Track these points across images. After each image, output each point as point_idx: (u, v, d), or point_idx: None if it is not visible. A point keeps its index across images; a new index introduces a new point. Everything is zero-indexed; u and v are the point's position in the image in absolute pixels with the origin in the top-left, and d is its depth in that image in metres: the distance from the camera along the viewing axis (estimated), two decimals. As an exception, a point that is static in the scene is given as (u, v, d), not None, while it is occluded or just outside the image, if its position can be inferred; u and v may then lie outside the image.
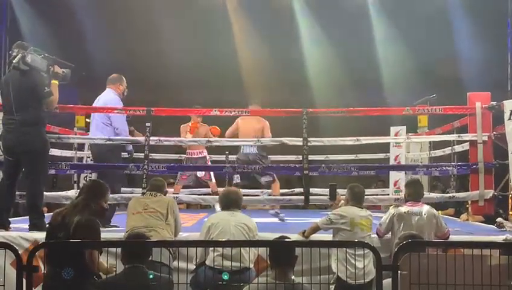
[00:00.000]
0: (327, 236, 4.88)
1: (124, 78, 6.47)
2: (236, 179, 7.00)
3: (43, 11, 9.95)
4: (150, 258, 3.80)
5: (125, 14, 9.90)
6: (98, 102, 6.38)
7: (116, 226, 5.81)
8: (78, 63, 5.92)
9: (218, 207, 7.22)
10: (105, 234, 5.15)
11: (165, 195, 5.07)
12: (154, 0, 9.74)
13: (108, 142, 6.34)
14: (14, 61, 5.26)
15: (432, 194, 7.13)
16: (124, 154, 6.42)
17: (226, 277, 4.11)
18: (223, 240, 4.36)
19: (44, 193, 5.50)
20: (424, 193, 7.12)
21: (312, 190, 6.53)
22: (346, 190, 5.04)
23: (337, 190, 5.41)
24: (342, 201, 5.11)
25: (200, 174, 7.60)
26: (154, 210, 4.73)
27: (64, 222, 3.93)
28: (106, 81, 6.43)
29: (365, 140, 6.43)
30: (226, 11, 10.19)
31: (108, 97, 6.31)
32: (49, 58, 5.50)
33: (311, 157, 6.40)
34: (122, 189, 8.02)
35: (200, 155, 7.62)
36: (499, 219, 5.92)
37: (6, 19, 9.74)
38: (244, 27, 10.44)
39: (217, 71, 10.79)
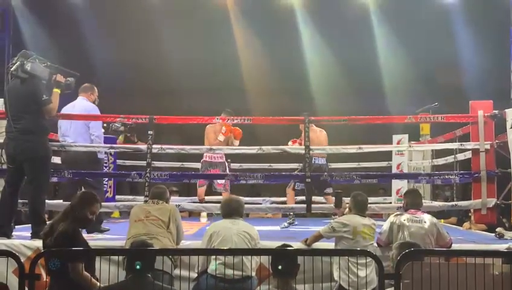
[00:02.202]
0: (329, 244, 4.87)
1: (95, 88, 6.54)
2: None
3: (46, 19, 9.99)
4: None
5: (128, 22, 9.94)
6: (74, 109, 6.34)
7: (107, 229, 5.97)
8: (81, 71, 5.93)
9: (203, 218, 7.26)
10: (104, 242, 5.16)
11: (167, 202, 5.06)
12: (156, 8, 9.77)
13: (111, 149, 6.44)
14: (12, 69, 5.30)
15: (435, 203, 7.12)
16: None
17: (214, 267, 4.12)
18: (225, 248, 4.35)
19: (46, 201, 5.50)
20: (427, 201, 7.17)
21: (314, 198, 6.52)
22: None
23: (343, 198, 5.39)
24: (347, 209, 5.10)
25: (220, 181, 7.40)
26: (156, 218, 4.71)
27: (52, 230, 3.93)
28: (79, 89, 6.45)
29: (367, 148, 6.43)
30: (228, 20, 10.21)
31: (87, 104, 6.35)
32: (52, 67, 5.53)
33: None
34: (125, 197, 8.07)
35: (221, 160, 7.48)
36: (499, 229, 5.89)
37: (10, 27, 9.77)
38: (246, 35, 10.47)
39: (219, 79, 10.82)
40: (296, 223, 7.07)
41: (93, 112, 6.33)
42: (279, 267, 3.59)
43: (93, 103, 6.46)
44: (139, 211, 4.84)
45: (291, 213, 6.99)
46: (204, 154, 7.44)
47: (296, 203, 7.22)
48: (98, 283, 3.78)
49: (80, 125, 6.25)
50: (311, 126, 6.93)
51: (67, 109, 6.32)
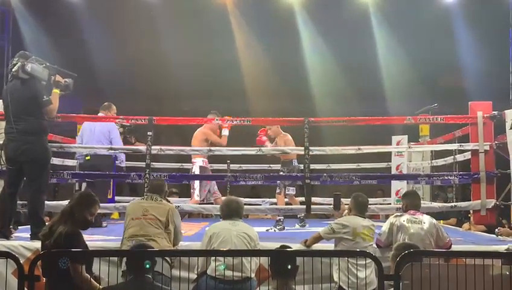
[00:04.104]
0: (329, 245, 4.87)
1: (113, 106, 7.30)
2: (292, 191, 7.15)
3: (45, 21, 10.00)
4: None
5: (129, 24, 9.95)
6: (96, 125, 7.06)
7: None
8: (81, 73, 5.93)
9: None
10: (103, 243, 5.14)
11: (165, 197, 5.00)
12: (157, 11, 9.78)
13: (110, 151, 6.50)
14: (13, 70, 5.29)
15: (434, 204, 7.12)
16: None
17: (222, 267, 4.11)
18: (225, 249, 4.35)
19: (46, 202, 5.49)
20: (426, 202, 7.17)
21: (313, 199, 6.52)
22: (350, 200, 5.03)
23: (341, 200, 5.38)
24: (346, 211, 5.10)
25: (216, 188, 7.35)
26: (153, 217, 4.66)
27: (51, 231, 3.90)
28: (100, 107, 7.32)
29: (367, 149, 6.43)
30: (227, 22, 10.22)
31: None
32: (50, 68, 5.53)
33: (312, 166, 6.40)
34: (124, 198, 8.07)
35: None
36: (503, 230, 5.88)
37: (9, 28, 9.78)
38: (247, 37, 10.47)
39: (219, 81, 10.83)
40: (285, 229, 7.04)
41: (112, 128, 7.05)
42: (289, 266, 3.57)
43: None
44: (137, 208, 4.78)
45: (281, 219, 6.97)
46: (202, 160, 7.21)
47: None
48: (99, 285, 3.77)
49: (102, 140, 6.91)
50: (279, 129, 7.05)
51: (88, 123, 7.12)
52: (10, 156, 5.30)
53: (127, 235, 4.65)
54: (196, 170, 7.15)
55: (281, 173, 7.23)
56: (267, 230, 6.79)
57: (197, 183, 7.09)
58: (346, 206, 5.13)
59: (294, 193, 7.20)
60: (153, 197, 4.88)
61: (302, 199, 6.77)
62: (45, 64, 5.50)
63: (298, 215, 7.24)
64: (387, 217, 6.99)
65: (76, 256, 3.72)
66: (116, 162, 7.25)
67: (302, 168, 6.22)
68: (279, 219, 6.96)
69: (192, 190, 7.17)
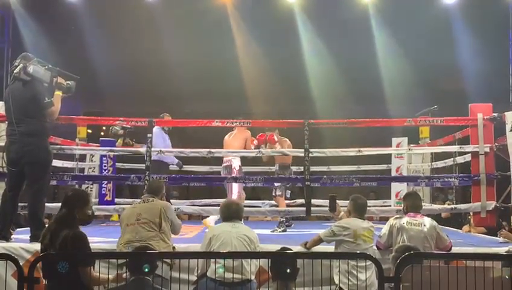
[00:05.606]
0: (329, 247, 4.86)
1: (165, 115, 7.59)
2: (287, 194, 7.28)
3: (46, 23, 9.99)
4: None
5: (128, 26, 9.95)
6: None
7: None
8: (81, 75, 5.93)
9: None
10: (103, 245, 5.14)
11: (161, 198, 4.97)
12: (158, 13, 9.78)
13: (110, 152, 6.51)
14: (15, 71, 5.29)
15: (434, 206, 7.12)
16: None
17: (221, 270, 4.10)
18: (225, 251, 4.34)
19: (46, 204, 5.48)
20: (426, 204, 7.17)
21: (313, 201, 6.52)
22: (347, 202, 5.02)
23: (337, 201, 5.37)
24: (342, 213, 5.09)
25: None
26: (146, 220, 4.63)
27: (53, 237, 3.84)
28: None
29: (367, 151, 6.43)
30: (228, 24, 10.22)
31: (155, 129, 7.20)
32: (53, 70, 5.52)
33: (312, 168, 6.40)
34: (124, 200, 8.08)
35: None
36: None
37: (9, 31, 9.78)
38: (247, 39, 10.48)
39: (219, 83, 10.82)
40: (287, 231, 7.04)
41: (157, 135, 7.23)
42: (288, 270, 3.56)
43: (163, 129, 7.62)
44: (130, 213, 4.76)
45: (283, 220, 6.97)
46: (239, 159, 7.19)
47: (296, 206, 7.25)
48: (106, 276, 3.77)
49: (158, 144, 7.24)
50: (278, 135, 7.08)
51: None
52: (12, 158, 5.29)
53: (122, 242, 4.64)
54: (236, 168, 7.08)
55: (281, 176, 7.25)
56: (272, 231, 6.82)
57: (235, 185, 6.95)
58: (342, 208, 5.12)
59: (288, 196, 7.24)
60: (145, 200, 4.86)
61: (302, 200, 6.77)
62: (47, 66, 5.49)
63: (280, 219, 7.13)
64: (381, 219, 7.01)
65: (84, 258, 3.70)
66: None
67: (302, 170, 6.21)
68: (282, 220, 6.98)
69: (232, 193, 6.96)
